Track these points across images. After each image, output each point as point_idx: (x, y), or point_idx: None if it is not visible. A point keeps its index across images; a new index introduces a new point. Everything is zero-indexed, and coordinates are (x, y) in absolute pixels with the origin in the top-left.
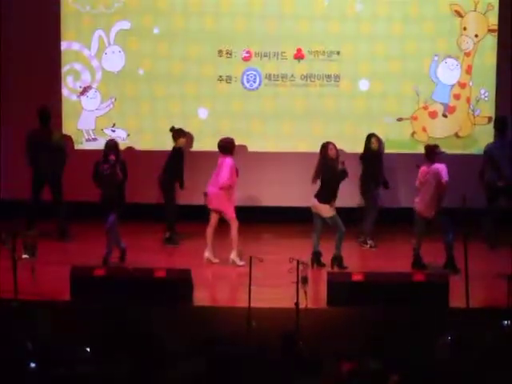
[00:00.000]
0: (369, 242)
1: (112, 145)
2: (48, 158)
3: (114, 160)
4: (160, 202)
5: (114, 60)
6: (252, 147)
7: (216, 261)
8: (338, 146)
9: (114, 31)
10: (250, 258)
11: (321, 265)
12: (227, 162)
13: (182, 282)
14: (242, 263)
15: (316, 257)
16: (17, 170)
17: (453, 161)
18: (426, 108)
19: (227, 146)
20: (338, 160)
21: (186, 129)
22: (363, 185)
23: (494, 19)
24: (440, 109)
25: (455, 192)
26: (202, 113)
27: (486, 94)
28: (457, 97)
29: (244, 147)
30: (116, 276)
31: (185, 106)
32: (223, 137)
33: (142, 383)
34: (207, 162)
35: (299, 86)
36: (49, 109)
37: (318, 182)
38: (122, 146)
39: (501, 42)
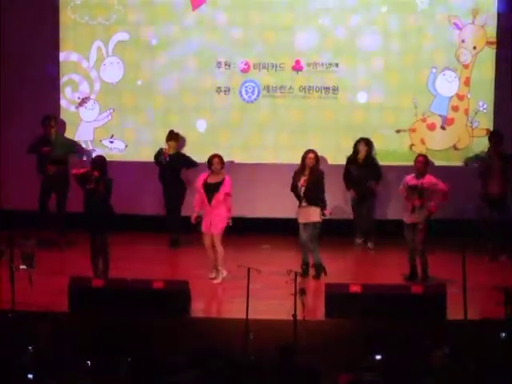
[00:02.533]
0: (369, 243)
1: (97, 161)
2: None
3: (97, 176)
4: (158, 212)
5: (113, 71)
6: (250, 159)
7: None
8: (336, 158)
9: (112, 42)
10: (248, 269)
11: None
12: None
13: (180, 294)
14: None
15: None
16: (16, 181)
17: (451, 173)
18: (424, 120)
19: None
20: None
21: (184, 140)
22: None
23: (492, 32)
24: (438, 121)
25: (454, 204)
26: (201, 124)
27: (485, 107)
28: (455, 109)
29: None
30: (114, 287)
31: (183, 117)
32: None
33: None
34: None
35: (297, 98)
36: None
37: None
38: (119, 158)
39: (499, 55)
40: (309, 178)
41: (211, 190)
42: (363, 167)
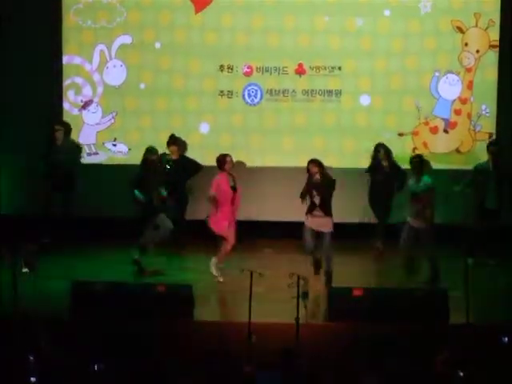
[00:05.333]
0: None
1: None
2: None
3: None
4: None
5: (116, 74)
6: (253, 162)
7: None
8: (339, 162)
9: (115, 45)
10: (251, 272)
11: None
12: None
13: (183, 297)
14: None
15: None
16: (17, 185)
17: (453, 176)
18: (426, 123)
19: (217, 162)
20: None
21: (187, 143)
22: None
23: (495, 35)
24: (441, 124)
25: (457, 208)
26: (204, 127)
27: (487, 110)
28: (458, 112)
29: (242, 163)
30: (117, 291)
31: (186, 120)
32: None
33: None
34: (208, 177)
35: (300, 102)
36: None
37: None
38: (122, 161)
39: (502, 58)
40: (323, 189)
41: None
42: (388, 173)
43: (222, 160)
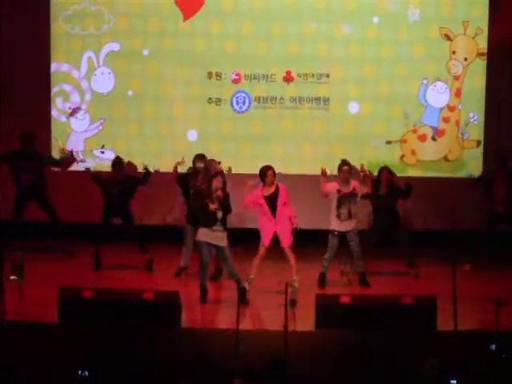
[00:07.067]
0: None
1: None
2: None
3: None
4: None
5: (104, 81)
6: (241, 169)
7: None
8: (327, 169)
9: (103, 52)
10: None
11: None
12: None
13: (170, 304)
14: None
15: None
16: (5, 190)
17: (442, 184)
18: (415, 131)
19: (259, 173)
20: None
21: (175, 150)
22: None
23: (483, 43)
24: (429, 132)
25: (445, 215)
26: (192, 135)
27: (475, 118)
28: (446, 120)
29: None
30: (104, 297)
31: (174, 127)
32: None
33: None
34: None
35: (288, 109)
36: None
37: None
38: (110, 168)
39: (490, 66)
40: (226, 204)
41: (272, 202)
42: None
43: (262, 173)
